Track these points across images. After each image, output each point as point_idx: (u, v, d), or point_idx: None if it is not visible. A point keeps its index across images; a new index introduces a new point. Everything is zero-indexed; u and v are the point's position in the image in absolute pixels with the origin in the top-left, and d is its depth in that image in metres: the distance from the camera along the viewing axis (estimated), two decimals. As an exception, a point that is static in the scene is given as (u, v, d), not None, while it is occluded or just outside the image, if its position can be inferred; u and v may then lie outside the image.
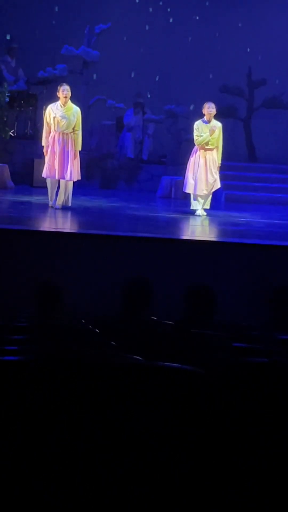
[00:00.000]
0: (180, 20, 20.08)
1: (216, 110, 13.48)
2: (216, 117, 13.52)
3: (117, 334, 4.91)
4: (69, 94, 12.85)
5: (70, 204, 12.97)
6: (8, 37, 19.19)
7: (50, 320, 6.08)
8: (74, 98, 13.34)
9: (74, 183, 13.05)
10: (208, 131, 13.20)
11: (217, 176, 13.31)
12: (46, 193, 13.18)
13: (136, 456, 3.10)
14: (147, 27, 20.18)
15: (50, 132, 12.85)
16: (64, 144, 12.78)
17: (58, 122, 12.76)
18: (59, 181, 12.86)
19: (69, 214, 12.62)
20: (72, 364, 3.21)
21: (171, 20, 20.22)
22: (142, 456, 3.10)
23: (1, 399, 3.12)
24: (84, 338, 4.76)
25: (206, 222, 12.90)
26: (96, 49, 18.20)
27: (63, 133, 12.79)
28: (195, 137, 13.31)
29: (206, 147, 13.26)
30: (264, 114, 19.55)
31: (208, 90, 18.33)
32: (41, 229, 11.38)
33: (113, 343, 4.35)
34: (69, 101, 12.88)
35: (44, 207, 12.97)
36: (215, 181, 13.29)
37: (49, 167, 12.82)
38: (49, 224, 12.08)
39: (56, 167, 12.73)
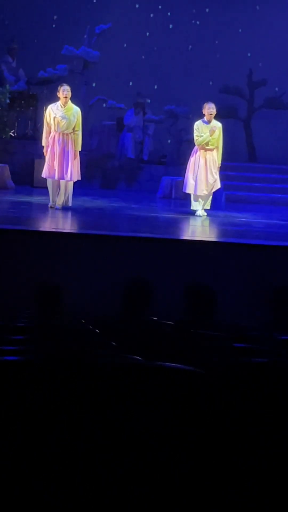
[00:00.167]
0: (180, 21, 20.08)
1: (216, 111, 13.47)
2: (217, 117, 13.52)
3: (117, 334, 4.91)
4: (69, 94, 12.85)
5: (70, 204, 12.97)
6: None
7: (50, 320, 6.08)
8: (75, 98, 13.34)
9: (74, 183, 13.04)
10: (208, 132, 13.19)
11: (217, 176, 13.31)
12: (46, 194, 13.18)
13: (136, 456, 3.10)
14: (147, 28, 20.18)
15: (50, 132, 12.85)
16: (64, 145, 12.77)
17: (58, 122, 12.75)
18: (59, 181, 12.85)
19: (69, 214, 12.63)
20: (72, 364, 3.21)
21: (171, 21, 20.21)
22: (142, 457, 3.10)
23: (1, 400, 3.11)
24: (84, 338, 4.76)
25: (207, 222, 12.90)
26: (97, 49, 18.21)
27: (63, 133, 12.79)
28: (195, 138, 13.31)
29: (206, 147, 13.25)
30: (265, 115, 19.56)
31: (209, 90, 18.34)
32: (42, 229, 11.38)
33: (113, 343, 4.35)
34: (69, 101, 12.88)
35: (44, 207, 12.97)
36: (215, 181, 13.29)
37: (49, 167, 12.82)
38: (49, 224, 12.08)
39: (56, 167, 12.73)
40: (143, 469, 3.10)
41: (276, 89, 19.59)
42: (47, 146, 12.86)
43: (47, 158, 12.86)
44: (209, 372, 3.27)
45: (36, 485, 3.07)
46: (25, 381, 3.14)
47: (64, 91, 12.80)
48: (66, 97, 12.79)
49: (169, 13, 20.28)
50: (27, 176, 16.57)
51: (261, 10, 20.02)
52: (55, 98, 13.11)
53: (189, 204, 13.53)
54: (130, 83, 19.17)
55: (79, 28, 18.62)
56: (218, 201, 15.01)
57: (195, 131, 13.34)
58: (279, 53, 19.69)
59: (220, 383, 3.30)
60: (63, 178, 12.80)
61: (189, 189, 13.38)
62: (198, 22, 20.29)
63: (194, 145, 13.39)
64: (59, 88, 12.98)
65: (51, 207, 12.85)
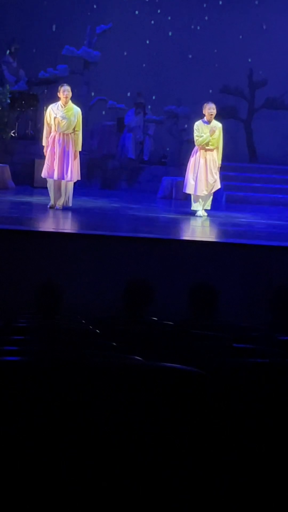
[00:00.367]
0: (181, 22, 20.08)
1: (217, 111, 13.47)
2: (217, 117, 13.52)
3: (117, 334, 4.91)
4: (70, 94, 12.85)
5: (70, 205, 12.97)
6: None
7: (51, 321, 6.08)
8: (75, 99, 13.34)
9: (74, 183, 13.05)
10: (208, 132, 13.19)
11: (217, 176, 13.30)
12: (47, 194, 13.18)
13: (137, 457, 3.09)
14: (148, 28, 20.18)
15: (50, 132, 12.85)
16: (64, 145, 12.77)
17: (58, 122, 12.75)
18: (59, 181, 12.85)
19: (69, 214, 12.63)
20: (73, 364, 3.20)
21: (172, 22, 20.21)
22: (143, 457, 3.09)
23: (1, 400, 3.11)
24: (85, 339, 4.75)
25: (207, 222, 12.90)
26: (97, 50, 18.21)
27: (63, 134, 12.79)
28: (195, 138, 13.31)
29: (207, 147, 13.25)
30: (265, 115, 19.57)
31: (209, 90, 18.35)
32: (42, 229, 11.38)
33: (113, 343, 4.35)
34: (70, 101, 12.88)
35: (45, 207, 12.97)
36: (215, 181, 13.28)
37: (49, 167, 12.82)
38: (49, 224, 12.07)
39: (56, 167, 12.73)
40: (143, 469, 3.09)
41: (277, 84, 19.59)
42: (47, 146, 12.86)
43: (46, 158, 12.86)
44: (209, 373, 3.26)
45: (36, 485, 3.07)
46: (25, 381, 3.14)
47: (65, 91, 12.80)
48: (66, 97, 12.79)
49: (169, 18, 20.26)
50: (28, 176, 16.58)
51: (261, 10, 20.01)
52: (55, 98, 13.11)
53: (190, 204, 13.53)
54: (131, 84, 19.16)
55: (80, 28, 18.63)
56: (219, 201, 15.01)
57: (195, 131, 13.34)
58: (279, 53, 19.69)
59: (220, 384, 3.30)
60: (63, 178, 12.80)
61: (189, 190, 13.37)
62: (199, 23, 20.29)
63: (195, 145, 13.38)
64: (59, 88, 12.98)
65: (50, 207, 12.84)
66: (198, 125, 13.34)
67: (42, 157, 13.24)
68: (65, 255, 9.82)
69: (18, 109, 17.91)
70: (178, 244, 10.66)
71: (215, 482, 3.17)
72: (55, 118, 12.76)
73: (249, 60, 19.75)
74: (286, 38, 19.74)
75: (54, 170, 12.75)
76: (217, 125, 13.30)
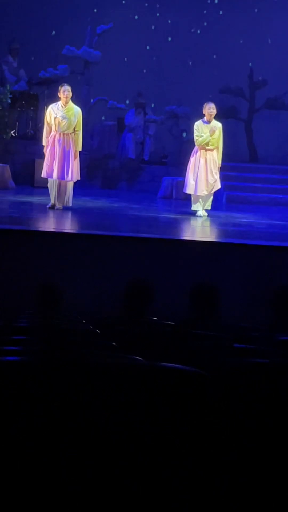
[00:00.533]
0: (182, 21, 20.08)
1: (217, 111, 13.48)
2: (218, 117, 13.52)
3: (117, 334, 4.90)
4: (70, 94, 12.85)
5: (70, 204, 12.97)
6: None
7: (51, 321, 6.08)
8: (75, 99, 13.35)
9: (74, 183, 13.05)
10: (208, 132, 13.19)
11: (217, 176, 13.30)
12: (47, 194, 13.17)
13: (137, 457, 3.09)
14: (148, 28, 20.18)
15: (50, 132, 12.85)
16: (64, 145, 12.77)
17: (59, 122, 12.75)
18: (59, 181, 12.85)
19: (69, 214, 12.63)
20: (73, 364, 3.20)
21: (173, 22, 20.21)
22: (143, 458, 3.09)
23: (1, 400, 3.11)
24: (85, 339, 4.75)
25: (207, 222, 12.90)
26: (98, 50, 18.22)
27: (63, 134, 12.79)
28: (195, 138, 13.31)
29: (207, 147, 13.25)
30: (265, 115, 19.58)
31: (210, 90, 18.35)
32: (42, 229, 11.38)
33: (113, 343, 4.34)
34: (70, 101, 12.88)
35: (45, 207, 12.97)
36: (215, 181, 13.28)
37: (48, 167, 12.82)
38: (50, 224, 12.07)
39: (56, 167, 12.73)
40: (143, 469, 3.09)
41: (277, 84, 19.59)
42: (47, 146, 12.86)
43: (46, 158, 12.87)
44: (209, 373, 3.26)
45: (37, 485, 3.07)
46: (25, 381, 3.13)
47: (65, 91, 12.80)
48: (67, 97, 12.80)
49: (169, 21, 20.26)
50: (28, 176, 16.58)
51: (261, 10, 20.01)
52: (56, 98, 13.12)
53: (190, 204, 13.53)
54: (131, 84, 19.16)
55: (80, 28, 18.63)
56: (219, 201, 15.01)
57: (195, 131, 13.34)
58: (279, 53, 19.69)
59: (220, 384, 3.30)
60: (63, 178, 12.80)
61: (190, 190, 13.37)
62: (199, 25, 20.29)
63: (195, 145, 13.38)
64: (60, 88, 12.98)
65: (50, 207, 12.83)
66: (198, 125, 13.35)
67: (43, 157, 13.24)
68: (65, 255, 9.82)
69: (19, 109, 17.92)
70: (178, 244, 10.66)
71: (215, 482, 3.17)
72: (55, 118, 12.76)
73: (250, 60, 19.74)
74: (287, 38, 19.74)
75: (54, 170, 12.75)
76: (217, 125, 13.30)
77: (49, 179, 12.93)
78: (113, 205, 14.46)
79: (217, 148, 13.31)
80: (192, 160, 13.37)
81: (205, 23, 20.29)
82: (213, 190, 13.40)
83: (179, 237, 11.92)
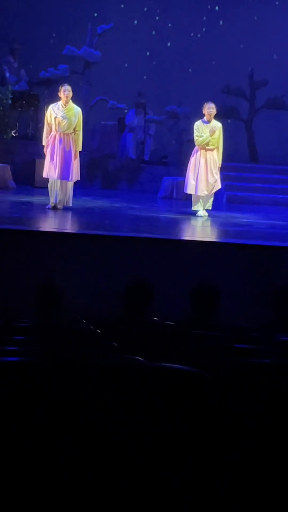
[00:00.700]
0: (182, 21, 20.07)
1: (217, 111, 13.47)
2: (218, 117, 13.52)
3: (118, 335, 4.91)
4: (71, 94, 12.85)
5: (70, 204, 12.97)
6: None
7: (51, 321, 6.08)
8: (76, 99, 13.34)
9: (74, 183, 13.05)
10: (208, 132, 13.18)
11: (217, 176, 13.30)
12: (47, 194, 13.16)
13: (137, 457, 3.09)
14: (149, 27, 20.17)
15: (50, 132, 12.84)
16: (64, 145, 12.77)
17: (59, 122, 12.75)
18: (60, 181, 12.85)
19: (69, 214, 12.63)
20: (73, 365, 3.20)
21: (173, 22, 20.20)
22: (143, 457, 3.09)
23: (1, 400, 3.11)
24: (85, 339, 4.75)
25: (208, 223, 12.90)
26: (98, 50, 18.21)
27: (63, 133, 12.79)
28: (195, 138, 13.30)
29: (207, 147, 13.25)
30: (266, 115, 19.57)
31: (210, 90, 18.33)
32: (42, 229, 11.38)
33: (114, 344, 4.34)
34: (71, 101, 12.88)
35: (45, 207, 12.96)
36: (215, 181, 13.28)
37: (49, 167, 12.81)
38: (50, 224, 12.07)
39: (56, 167, 12.72)
40: (143, 469, 3.09)
41: (278, 84, 19.59)
42: (47, 146, 12.86)
43: (47, 157, 12.86)
44: (210, 373, 3.26)
45: (37, 484, 3.07)
46: (25, 381, 3.13)
47: (65, 91, 12.80)
48: (67, 97, 12.79)
49: (169, 25, 20.25)
50: (28, 176, 16.58)
51: (261, 10, 20.01)
52: (56, 98, 13.11)
53: (190, 204, 13.52)
54: (132, 84, 19.15)
55: (81, 28, 18.62)
56: (219, 201, 15.01)
57: (195, 131, 13.34)
58: (280, 53, 19.69)
59: (220, 384, 3.30)
60: (63, 178, 12.80)
61: (190, 190, 13.37)
62: (200, 26, 20.28)
63: (195, 145, 13.38)
64: (60, 88, 12.98)
65: (50, 207, 12.81)
66: (198, 125, 13.34)
67: (43, 157, 13.24)
68: (65, 255, 9.82)
69: (19, 109, 17.91)
70: (178, 244, 10.66)
71: (215, 482, 3.17)
72: (55, 118, 12.75)
73: (250, 60, 19.73)
74: (287, 38, 19.73)
75: (54, 170, 12.75)
76: (217, 125, 13.29)
77: (49, 179, 12.93)
78: (113, 205, 14.46)
79: (217, 148, 13.30)
80: (192, 160, 13.37)
81: (204, 28, 20.28)
82: (214, 190, 13.39)
83: (180, 237, 11.92)
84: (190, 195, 13.51)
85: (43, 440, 3.08)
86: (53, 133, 12.81)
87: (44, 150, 12.95)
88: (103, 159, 17.79)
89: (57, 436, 3.08)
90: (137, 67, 19.84)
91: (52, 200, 12.89)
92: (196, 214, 13.24)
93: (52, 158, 12.77)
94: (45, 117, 13.05)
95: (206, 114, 13.33)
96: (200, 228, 12.51)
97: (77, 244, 10.16)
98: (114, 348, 4.28)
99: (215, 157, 13.29)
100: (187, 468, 3.13)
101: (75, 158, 12.85)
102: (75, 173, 12.86)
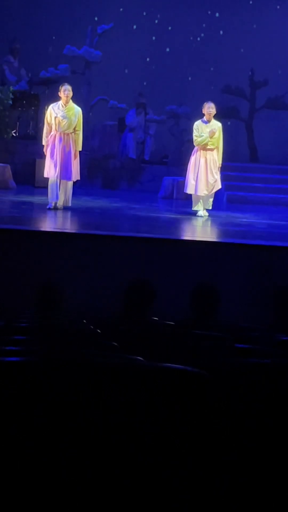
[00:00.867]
0: (182, 21, 20.07)
1: (217, 111, 13.46)
2: (218, 117, 13.51)
3: (118, 334, 4.90)
4: (71, 94, 12.85)
5: (70, 204, 12.96)
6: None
7: (51, 321, 6.07)
8: (76, 98, 13.34)
9: (74, 183, 13.05)
10: (208, 131, 13.17)
11: (217, 176, 13.29)
12: (47, 194, 13.14)
13: (137, 457, 3.09)
14: (149, 27, 20.17)
15: (50, 131, 12.84)
16: (64, 144, 12.77)
17: (59, 122, 12.75)
18: (60, 181, 12.84)
19: (69, 214, 12.62)
20: (74, 365, 3.20)
21: (174, 22, 20.20)
22: (143, 457, 3.09)
23: (1, 400, 3.11)
24: (85, 339, 4.75)
25: (208, 222, 12.89)
26: (98, 50, 18.21)
27: (64, 133, 12.79)
28: (194, 138, 13.29)
29: (207, 147, 13.24)
30: (266, 115, 19.57)
31: (210, 90, 18.34)
32: (43, 229, 11.38)
33: (114, 343, 4.34)
34: (71, 101, 12.88)
35: (46, 207, 12.96)
36: (215, 181, 13.27)
37: (49, 167, 12.81)
38: (50, 224, 12.07)
39: (56, 167, 12.72)
40: (143, 469, 3.09)
41: (278, 84, 19.58)
42: (47, 146, 12.86)
43: (47, 157, 12.86)
44: (210, 373, 3.26)
45: (37, 484, 3.07)
46: (25, 381, 3.13)
47: (66, 90, 12.80)
48: (67, 96, 12.79)
49: (170, 28, 20.25)
50: (29, 176, 16.57)
51: (262, 10, 20.01)
52: (56, 98, 13.11)
53: (191, 204, 13.52)
54: (132, 83, 19.15)
55: (81, 28, 18.62)
56: (220, 201, 15.00)
57: (194, 131, 13.33)
58: (280, 53, 19.68)
59: (221, 384, 3.30)
60: (63, 178, 12.80)
61: (190, 190, 13.36)
62: (200, 27, 20.28)
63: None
64: (60, 87, 12.97)
65: (50, 207, 12.78)
66: (197, 124, 13.33)
67: (43, 156, 13.23)
68: (65, 255, 9.82)
69: (19, 108, 17.91)
70: (179, 244, 10.66)
71: (215, 482, 3.17)
72: (55, 117, 12.75)
73: (250, 60, 19.73)
74: (287, 37, 19.74)
75: (55, 170, 12.74)
76: (217, 125, 13.29)
77: (50, 179, 12.92)
78: (114, 205, 14.46)
79: (217, 148, 13.29)
80: (192, 160, 13.36)
81: (204, 27, 20.28)
82: (214, 190, 13.38)
83: (180, 237, 11.92)
84: (190, 195, 13.51)
85: (43, 440, 3.08)
86: (53, 132, 12.81)
87: (44, 149, 12.94)
88: (103, 159, 17.78)
89: (57, 436, 3.08)
90: (138, 67, 19.83)
91: (52, 200, 12.88)
92: (197, 214, 13.23)
93: (52, 158, 12.77)
94: (45, 117, 13.05)
95: (205, 114, 13.32)
96: (201, 228, 12.51)
97: (77, 244, 10.16)
98: (114, 348, 4.28)
99: (215, 157, 13.28)
100: (187, 468, 3.13)
101: (75, 158, 12.85)
102: (75, 173, 12.85)
